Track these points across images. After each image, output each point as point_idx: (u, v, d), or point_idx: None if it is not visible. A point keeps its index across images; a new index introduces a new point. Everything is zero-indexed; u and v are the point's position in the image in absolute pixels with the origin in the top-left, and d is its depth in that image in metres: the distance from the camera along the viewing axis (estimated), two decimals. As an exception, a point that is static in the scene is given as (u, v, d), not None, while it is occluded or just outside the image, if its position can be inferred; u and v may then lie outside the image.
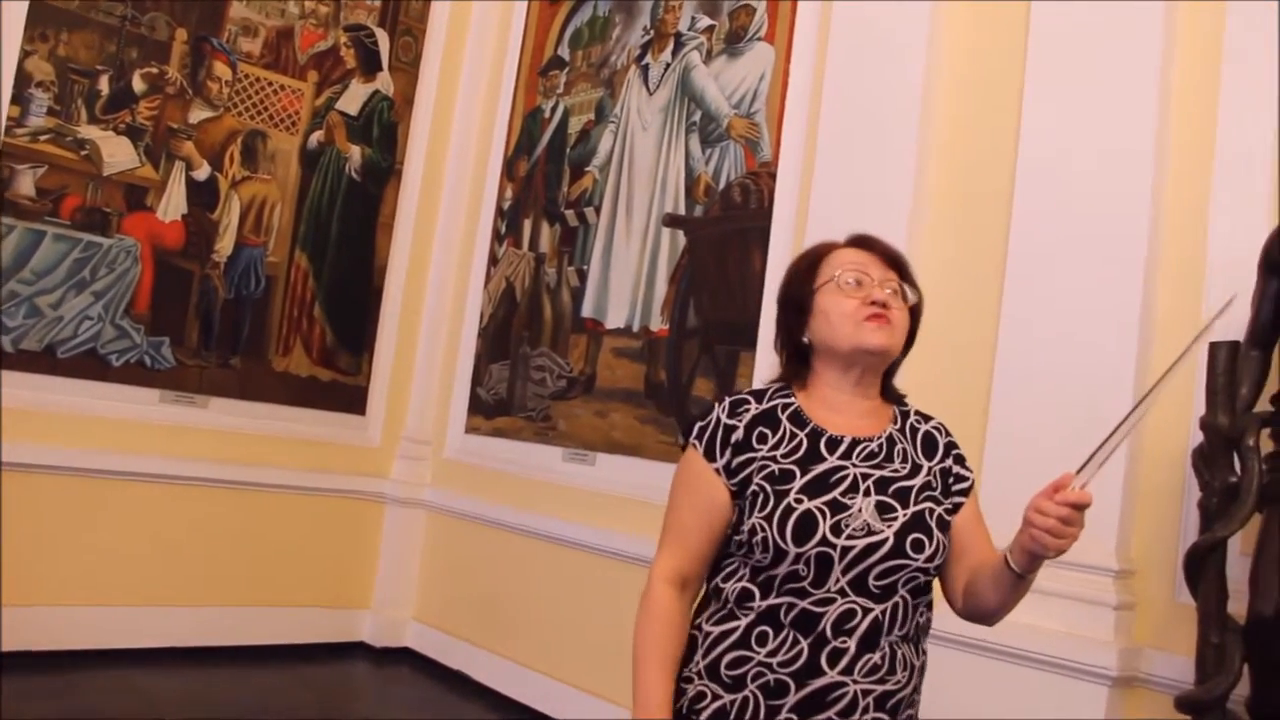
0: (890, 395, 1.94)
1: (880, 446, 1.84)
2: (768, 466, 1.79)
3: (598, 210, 4.81)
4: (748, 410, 1.86)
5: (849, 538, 1.71)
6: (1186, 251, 3.01)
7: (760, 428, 1.83)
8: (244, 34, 5.01)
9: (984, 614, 1.83)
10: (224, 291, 4.98)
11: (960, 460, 1.93)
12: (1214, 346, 2.59)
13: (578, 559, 4.42)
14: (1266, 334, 2.63)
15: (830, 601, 1.71)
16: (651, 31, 4.76)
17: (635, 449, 4.35)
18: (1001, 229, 3.26)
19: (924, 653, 1.86)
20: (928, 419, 1.96)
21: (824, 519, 1.72)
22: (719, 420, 1.85)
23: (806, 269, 1.91)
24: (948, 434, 1.95)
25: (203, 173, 4.90)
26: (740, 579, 1.79)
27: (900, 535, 1.74)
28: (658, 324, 4.40)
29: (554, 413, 4.81)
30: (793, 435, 1.82)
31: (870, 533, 1.72)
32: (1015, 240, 3.23)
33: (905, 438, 1.88)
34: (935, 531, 1.78)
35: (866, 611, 1.72)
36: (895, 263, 1.90)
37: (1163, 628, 2.89)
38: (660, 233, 4.48)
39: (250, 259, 5.08)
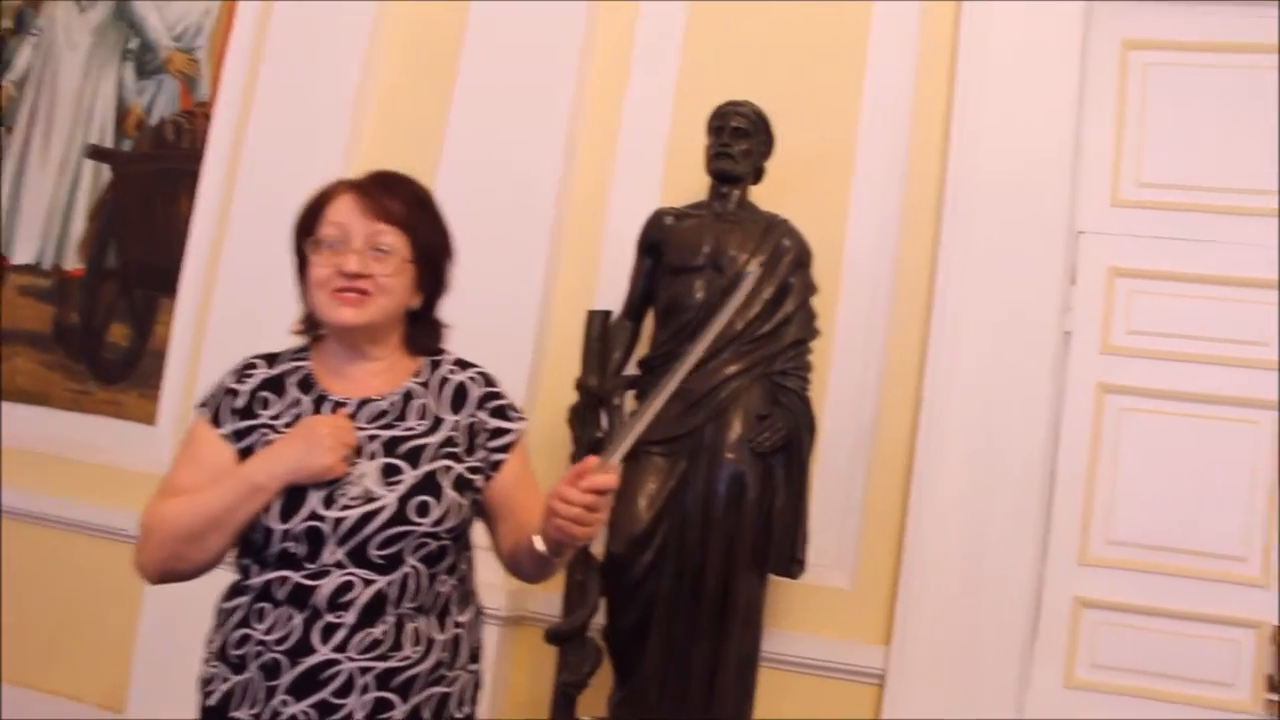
0: (418, 344, 1.81)
1: (392, 404, 1.71)
2: (267, 434, 1.68)
3: (10, 131, 4.34)
4: (253, 375, 1.75)
5: (343, 508, 1.60)
6: (586, 233, 3.35)
7: (265, 393, 1.72)
8: None
9: (526, 579, 1.78)
10: None
11: (500, 413, 1.78)
12: (590, 315, 2.87)
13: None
14: (639, 306, 2.96)
15: (325, 574, 1.59)
16: (91, -55, 4.37)
17: (41, 397, 3.99)
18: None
19: (457, 625, 1.72)
20: (466, 367, 1.81)
21: (315, 490, 1.60)
22: (224, 386, 1.73)
23: (307, 215, 1.75)
24: (487, 384, 1.80)
25: None
26: (241, 554, 1.68)
27: (403, 500, 1.62)
28: (72, 262, 4.07)
29: (-56, 355, 4.29)
30: (296, 401, 1.71)
31: (369, 500, 1.61)
32: (438, 197, 3.34)
33: (429, 391, 1.75)
34: (447, 493, 1.66)
35: (368, 584, 1.60)
36: (387, 212, 1.70)
37: (550, 569, 3.17)
38: (82, 164, 4.14)
39: None
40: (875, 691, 2.94)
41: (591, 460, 1.51)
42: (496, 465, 1.75)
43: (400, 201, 1.73)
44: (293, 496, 1.61)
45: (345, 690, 1.58)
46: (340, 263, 1.67)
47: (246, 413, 1.71)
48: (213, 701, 1.66)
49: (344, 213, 1.70)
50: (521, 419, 1.81)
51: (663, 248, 2.87)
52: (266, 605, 1.63)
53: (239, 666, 1.63)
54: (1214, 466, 2.96)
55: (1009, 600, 2.94)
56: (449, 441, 1.71)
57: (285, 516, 1.60)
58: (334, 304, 1.68)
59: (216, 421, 1.71)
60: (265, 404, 1.72)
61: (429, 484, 1.65)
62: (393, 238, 1.70)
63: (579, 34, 3.37)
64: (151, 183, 3.99)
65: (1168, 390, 3.02)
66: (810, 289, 2.85)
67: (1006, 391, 3.00)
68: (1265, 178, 3.03)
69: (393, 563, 1.61)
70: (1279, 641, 2.85)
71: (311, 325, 1.79)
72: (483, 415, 1.76)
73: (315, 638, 1.59)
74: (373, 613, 1.60)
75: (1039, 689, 2.97)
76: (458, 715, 1.72)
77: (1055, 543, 3.02)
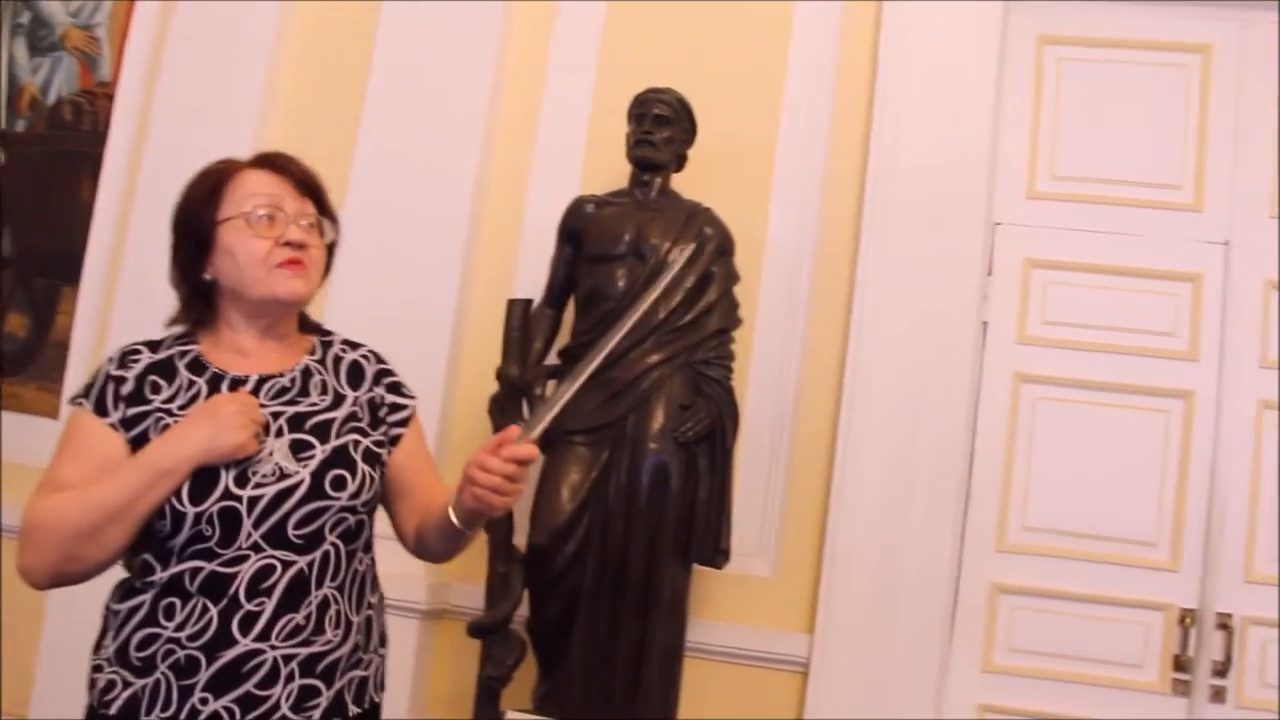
0: (307, 325, 1.80)
1: (293, 381, 1.69)
2: (163, 419, 1.60)
3: (-108, 111, 4.14)
4: (139, 360, 1.66)
5: (257, 486, 1.56)
6: (505, 222, 3.30)
7: (154, 377, 1.64)
8: None
9: (433, 557, 1.79)
10: None
11: (396, 389, 1.79)
12: (510, 304, 2.83)
13: None
14: (560, 294, 2.92)
15: (243, 560, 1.55)
16: (-30, -85, 4.17)
17: (-68, 390, 3.83)
18: (342, 180, 3.26)
19: (370, 606, 1.72)
20: (356, 347, 1.81)
21: (226, 470, 1.55)
22: (106, 374, 1.64)
23: (207, 195, 1.67)
24: (379, 361, 1.81)
25: None
26: (140, 550, 1.59)
27: (318, 474, 1.60)
28: (-36, 250, 3.90)
29: None
30: (191, 384, 1.65)
31: (283, 476, 1.57)
32: (354, 185, 3.26)
33: (325, 368, 1.73)
34: (361, 466, 1.65)
35: (288, 565, 1.56)
36: (311, 190, 1.72)
37: (468, 561, 3.12)
38: (-29, 146, 3.97)
39: None
40: (800, 679, 2.96)
41: (513, 430, 1.53)
42: (396, 440, 1.76)
43: (315, 180, 1.75)
44: (202, 478, 1.55)
45: (270, 681, 1.54)
46: (281, 234, 1.65)
47: (136, 399, 1.63)
48: (115, 710, 1.57)
49: (267, 186, 1.68)
50: (413, 396, 1.82)
51: (583, 236, 2.83)
52: (175, 600, 1.56)
53: (144, 669, 1.56)
54: (1126, 455, 3.03)
55: (928, 586, 2.98)
56: (353, 416, 1.70)
57: (197, 499, 1.54)
58: (282, 277, 1.65)
59: (102, 410, 1.63)
60: (156, 389, 1.64)
61: (341, 457, 1.64)
62: (316, 218, 1.72)
63: (496, 21, 3.31)
64: (49, 165, 3.83)
65: (1082, 380, 3.09)
66: (733, 278, 2.84)
67: (925, 381, 3.04)
68: (1176, 171, 3.11)
69: (312, 541, 1.59)
70: (1186, 624, 2.93)
71: (191, 314, 1.73)
72: (380, 391, 1.77)
73: (234, 628, 1.54)
74: (293, 596, 1.57)
75: (958, 673, 3.02)
76: (376, 699, 1.72)
77: (973, 530, 3.07)
